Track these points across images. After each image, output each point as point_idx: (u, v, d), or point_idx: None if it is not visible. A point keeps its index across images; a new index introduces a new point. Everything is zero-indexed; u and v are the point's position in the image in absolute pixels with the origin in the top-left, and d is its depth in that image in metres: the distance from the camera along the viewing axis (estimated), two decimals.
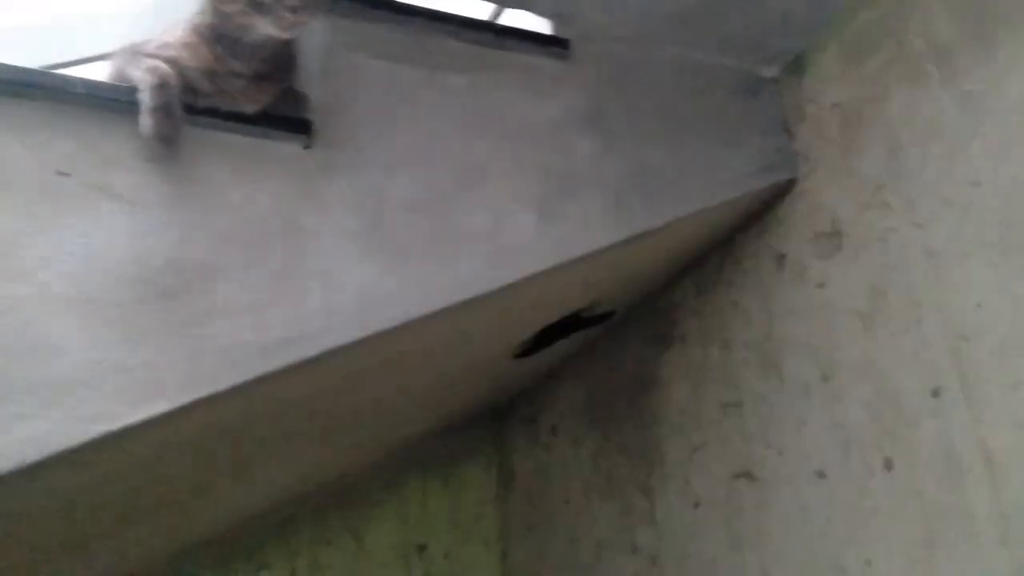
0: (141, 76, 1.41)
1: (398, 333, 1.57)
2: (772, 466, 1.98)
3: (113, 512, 1.85)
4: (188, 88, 1.44)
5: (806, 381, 1.90)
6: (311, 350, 1.46)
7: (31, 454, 1.25)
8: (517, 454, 3.08)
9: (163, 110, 1.38)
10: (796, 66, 2.03)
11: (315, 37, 1.64)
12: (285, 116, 1.54)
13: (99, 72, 1.54)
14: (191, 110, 1.46)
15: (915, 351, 1.67)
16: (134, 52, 1.46)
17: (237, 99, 1.49)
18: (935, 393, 1.62)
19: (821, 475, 1.84)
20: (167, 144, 1.40)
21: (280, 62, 1.52)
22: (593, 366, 2.71)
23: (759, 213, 2.05)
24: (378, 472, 2.98)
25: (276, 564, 2.77)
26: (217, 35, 1.46)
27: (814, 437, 1.87)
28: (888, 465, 1.70)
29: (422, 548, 2.98)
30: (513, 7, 1.91)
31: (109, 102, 1.42)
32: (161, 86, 1.39)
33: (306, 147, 1.57)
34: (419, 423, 2.76)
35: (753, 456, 2.04)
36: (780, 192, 1.99)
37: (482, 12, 2.12)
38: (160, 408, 1.34)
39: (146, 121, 1.38)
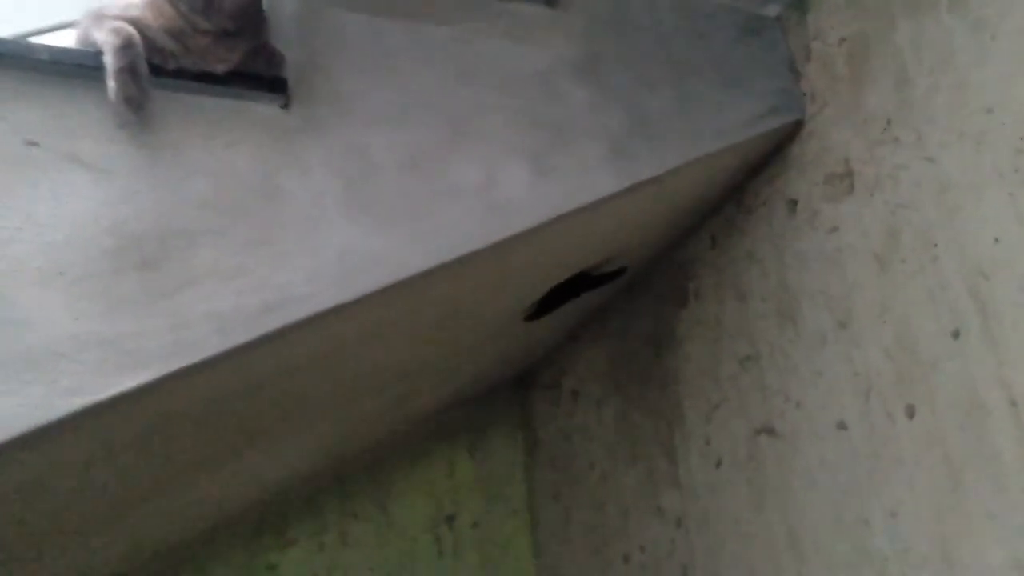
0: (104, 38, 1.36)
1: (389, 294, 1.52)
2: (792, 420, 1.91)
3: (126, 489, 1.84)
4: (154, 49, 1.40)
5: (823, 330, 1.83)
6: (296, 315, 1.41)
7: (13, 429, 1.22)
8: (540, 421, 3.03)
9: (128, 71, 1.34)
10: (800, 2, 1.94)
11: None
12: (260, 75, 1.49)
13: (67, 39, 1.50)
14: (160, 72, 1.41)
15: (932, 292, 1.58)
16: (98, 16, 1.42)
17: (206, 58, 1.43)
18: (955, 335, 1.54)
19: (842, 427, 1.77)
20: (135, 107, 1.35)
21: (247, 18, 1.46)
22: (611, 327, 2.65)
23: (768, 157, 1.97)
24: (403, 444, 2.95)
25: (303, 539, 2.76)
26: None
27: (833, 388, 1.80)
28: (910, 412, 1.62)
29: (451, 519, 2.95)
30: None
31: (75, 68, 1.37)
32: (124, 47, 1.34)
33: (284, 107, 1.52)
34: (440, 391, 2.72)
35: (773, 411, 1.97)
36: (788, 134, 1.91)
37: None
38: (144, 378, 1.30)
39: (111, 84, 1.34)
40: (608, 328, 2.66)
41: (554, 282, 2.15)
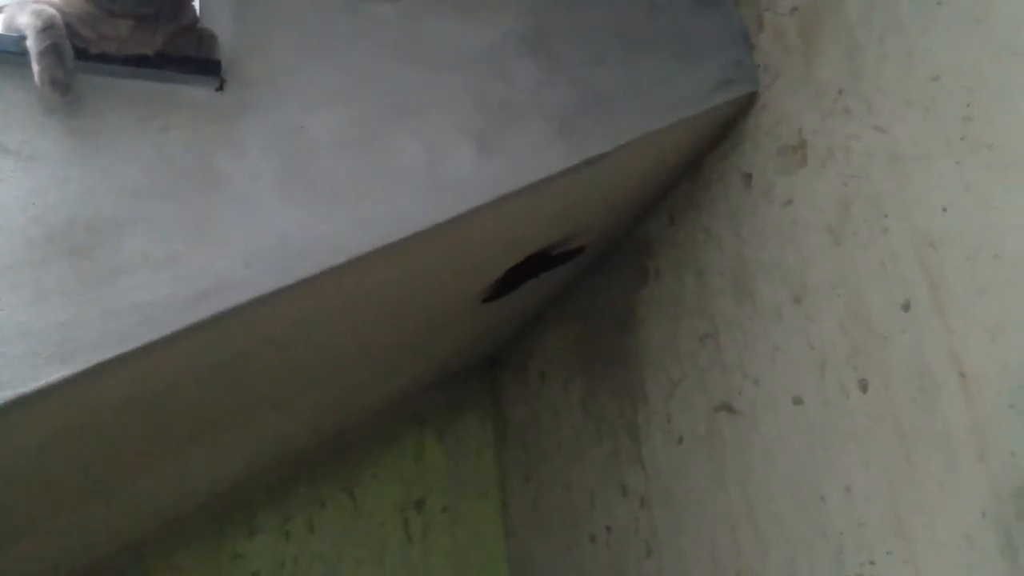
0: (26, 21, 1.32)
1: (332, 277, 1.50)
2: (750, 396, 1.89)
3: (75, 483, 1.81)
4: (75, 35, 1.35)
5: (778, 304, 1.81)
6: (232, 301, 1.39)
7: None
8: (510, 403, 3.01)
9: (52, 53, 1.30)
10: None
11: None
12: (190, 58, 1.45)
13: None
14: (86, 56, 1.37)
15: (883, 264, 1.56)
16: (21, 1, 1.38)
17: (126, 43, 1.39)
18: (905, 307, 1.52)
19: (798, 402, 1.75)
20: (61, 90, 1.31)
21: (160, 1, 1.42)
22: (576, 308, 2.63)
23: (723, 131, 1.94)
24: (371, 429, 2.93)
25: (269, 526, 2.74)
26: None
27: (790, 362, 1.78)
28: (863, 386, 1.61)
29: (420, 503, 2.94)
30: None
31: None
32: (46, 28, 1.30)
33: (218, 89, 1.48)
34: (404, 375, 2.69)
35: (731, 387, 1.95)
36: (743, 107, 1.88)
37: None
38: (71, 369, 1.28)
39: (35, 67, 1.30)
40: (573, 308, 2.64)
41: (511, 263, 2.12)
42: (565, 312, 2.68)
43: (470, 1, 1.74)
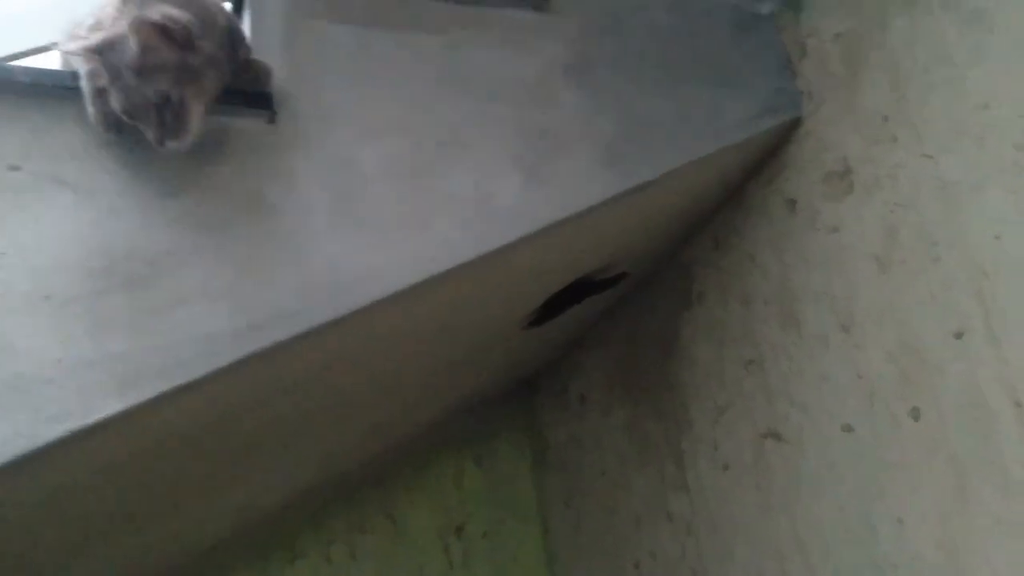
0: (79, 61, 1.35)
1: (381, 308, 1.50)
2: (797, 424, 1.88)
3: (123, 511, 1.83)
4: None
5: (825, 332, 1.80)
6: (286, 332, 1.40)
7: None
8: (549, 426, 3.01)
9: (102, 95, 1.32)
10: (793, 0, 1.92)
11: (273, 6, 1.58)
12: (244, 91, 1.48)
13: (52, 60, 1.49)
14: None
15: (934, 293, 1.55)
16: (74, 37, 1.41)
17: None
18: (958, 335, 1.51)
19: (847, 430, 1.74)
20: (115, 130, 1.34)
21: (221, 37, 1.44)
22: (617, 331, 2.63)
23: (766, 158, 1.94)
24: (410, 454, 2.93)
25: (311, 552, 2.74)
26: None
27: (838, 391, 1.77)
28: (915, 415, 1.59)
29: (460, 529, 2.93)
30: None
31: (55, 90, 1.37)
32: (96, 71, 1.33)
33: (270, 121, 1.50)
34: (445, 400, 2.70)
35: (778, 414, 1.94)
36: (786, 133, 1.88)
37: None
38: (131, 401, 1.29)
39: (89, 107, 1.32)
40: (614, 332, 2.63)
41: (554, 289, 2.12)
42: (605, 336, 2.68)
43: (516, 32, 1.76)
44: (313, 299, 1.43)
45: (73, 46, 1.30)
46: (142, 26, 1.28)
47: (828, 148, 1.79)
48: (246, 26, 1.58)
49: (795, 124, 1.87)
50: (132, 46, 1.28)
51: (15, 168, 1.33)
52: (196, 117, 1.35)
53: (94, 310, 1.31)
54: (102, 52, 1.29)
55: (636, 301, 2.52)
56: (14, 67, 1.39)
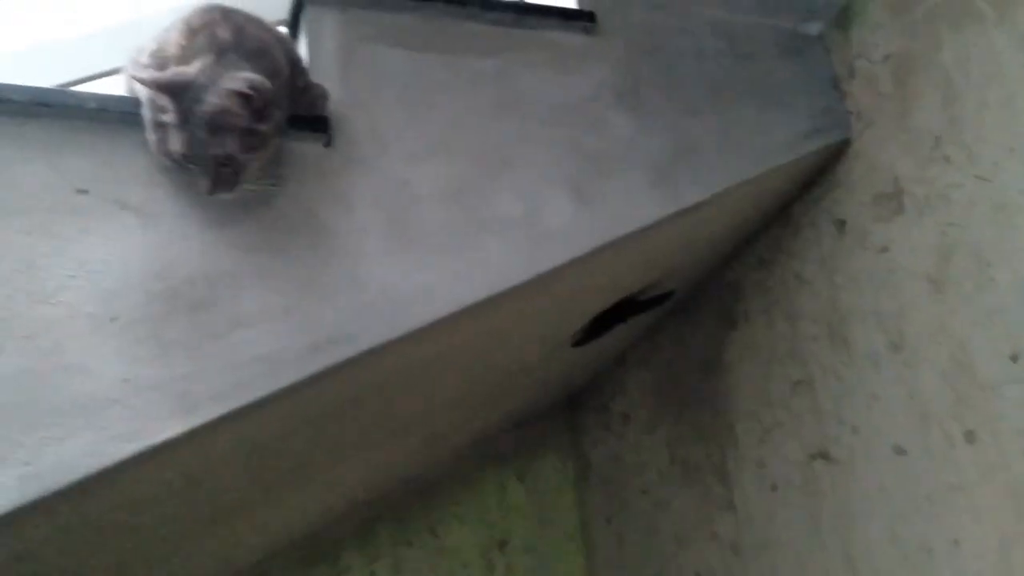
0: (140, 88, 1.38)
1: (434, 330, 1.52)
2: (848, 444, 1.87)
3: (177, 526, 1.86)
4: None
5: (876, 352, 1.79)
6: (344, 353, 1.42)
7: (63, 478, 1.23)
8: (591, 444, 3.01)
9: (163, 129, 1.35)
10: (842, 19, 1.91)
11: (329, 31, 1.61)
12: (301, 116, 1.50)
13: (116, 86, 1.52)
14: None
15: (989, 313, 1.55)
16: (136, 64, 1.44)
17: None
18: (1014, 358, 1.50)
19: (900, 451, 1.73)
20: (174, 159, 1.36)
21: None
22: (660, 349, 2.63)
23: (815, 177, 1.94)
24: (454, 469, 2.95)
25: (356, 566, 2.76)
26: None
27: (889, 411, 1.76)
28: (970, 437, 1.58)
29: (503, 544, 2.94)
30: None
31: (120, 116, 1.40)
32: (163, 107, 1.35)
33: (326, 145, 1.53)
34: (489, 417, 2.71)
35: (828, 435, 1.93)
36: (835, 154, 1.88)
37: None
38: (196, 421, 1.31)
39: (149, 136, 1.35)
40: (657, 350, 2.63)
41: (601, 308, 2.13)
42: (648, 353, 2.68)
43: (564, 55, 1.77)
44: (369, 320, 1.45)
45: (145, 76, 1.32)
46: (231, 94, 1.31)
47: (878, 168, 1.79)
48: (302, 49, 1.61)
49: (844, 144, 1.87)
50: (210, 105, 1.30)
51: (83, 192, 1.36)
52: (251, 175, 1.38)
53: (158, 332, 1.34)
54: (174, 92, 1.31)
55: (678, 319, 2.52)
56: (83, 93, 1.42)
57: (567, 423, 3.16)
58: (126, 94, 1.48)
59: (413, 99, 1.64)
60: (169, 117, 1.32)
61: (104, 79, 1.65)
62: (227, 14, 1.44)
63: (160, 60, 1.39)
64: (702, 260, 2.22)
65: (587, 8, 1.81)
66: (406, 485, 2.83)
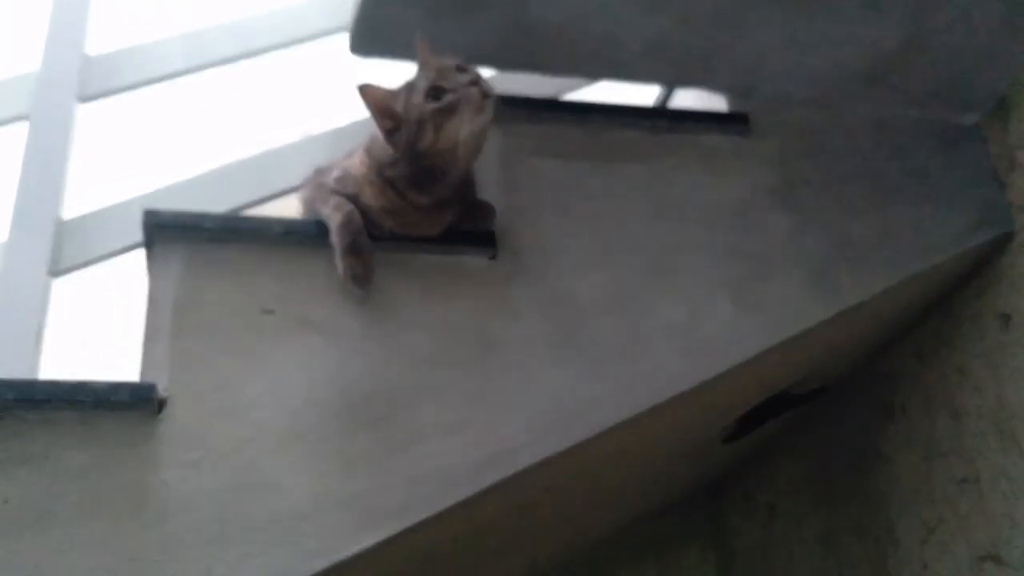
0: (328, 214, 1.45)
1: (601, 439, 1.53)
2: (1020, 547, 1.79)
3: None
4: (373, 223, 1.47)
5: None
6: (516, 466, 1.44)
7: None
8: (735, 535, 2.94)
9: (352, 252, 1.41)
10: (1000, 109, 1.88)
11: (489, 145, 1.66)
12: (469, 231, 1.55)
13: (287, 207, 1.61)
14: (376, 237, 1.48)
15: None
16: (319, 184, 1.52)
17: (420, 226, 1.51)
18: None
19: None
20: (361, 284, 1.42)
21: (465, 186, 1.53)
22: (807, 440, 2.57)
23: (976, 269, 1.89)
24: (591, 564, 2.91)
25: None
26: (403, 173, 1.47)
27: None
28: None
29: None
30: (686, 87, 1.87)
31: (303, 238, 1.47)
32: (347, 225, 1.42)
33: (492, 258, 1.57)
34: (628, 512, 2.68)
35: (998, 537, 1.85)
36: (997, 247, 1.84)
37: (650, 95, 2.10)
38: (378, 537, 1.34)
39: (339, 262, 1.42)
40: (804, 441, 2.57)
41: (752, 404, 2.11)
42: (795, 444, 2.62)
43: (717, 157, 1.79)
44: (540, 431, 1.47)
45: (338, 219, 1.43)
46: None
47: None
48: None
49: (1007, 237, 1.83)
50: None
51: (269, 312, 1.44)
52: None
53: (342, 449, 1.39)
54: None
55: (827, 410, 2.46)
56: (270, 219, 1.51)
57: (707, 513, 3.09)
58: (304, 209, 1.57)
59: (572, 207, 1.68)
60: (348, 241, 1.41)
61: (277, 199, 1.74)
62: None
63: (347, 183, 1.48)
64: (857, 353, 2.18)
65: (739, 111, 1.83)
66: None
